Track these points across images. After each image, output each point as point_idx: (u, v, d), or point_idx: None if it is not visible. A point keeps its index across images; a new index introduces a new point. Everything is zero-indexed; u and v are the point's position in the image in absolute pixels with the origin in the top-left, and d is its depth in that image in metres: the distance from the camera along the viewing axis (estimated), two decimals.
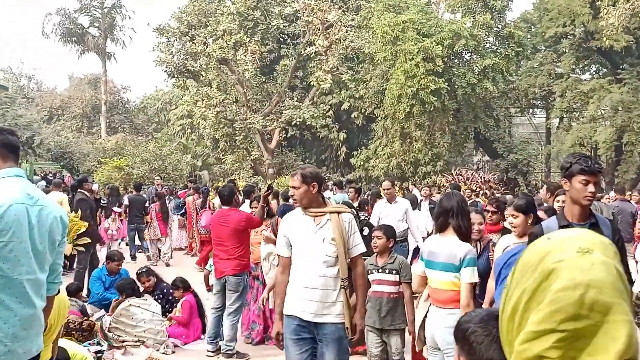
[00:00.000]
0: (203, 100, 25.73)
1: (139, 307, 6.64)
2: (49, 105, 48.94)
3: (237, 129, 26.03)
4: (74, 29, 43.48)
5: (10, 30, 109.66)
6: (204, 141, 32.96)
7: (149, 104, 48.17)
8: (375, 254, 5.45)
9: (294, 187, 4.28)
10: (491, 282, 4.65)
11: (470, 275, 4.21)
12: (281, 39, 31.58)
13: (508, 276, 1.52)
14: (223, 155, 30.31)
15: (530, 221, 4.54)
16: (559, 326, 1.31)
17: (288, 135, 29.59)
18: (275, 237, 7.33)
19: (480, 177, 23.49)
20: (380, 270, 5.33)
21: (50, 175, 28.04)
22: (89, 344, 5.81)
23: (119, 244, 15.56)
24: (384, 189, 8.59)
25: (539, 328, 1.34)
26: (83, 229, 5.24)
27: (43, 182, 23.09)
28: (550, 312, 1.32)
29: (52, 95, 51.79)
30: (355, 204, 8.74)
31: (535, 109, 37.81)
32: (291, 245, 4.27)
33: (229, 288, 6.68)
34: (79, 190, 9.74)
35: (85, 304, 7.50)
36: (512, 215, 4.63)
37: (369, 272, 5.28)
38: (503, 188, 23.92)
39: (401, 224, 8.37)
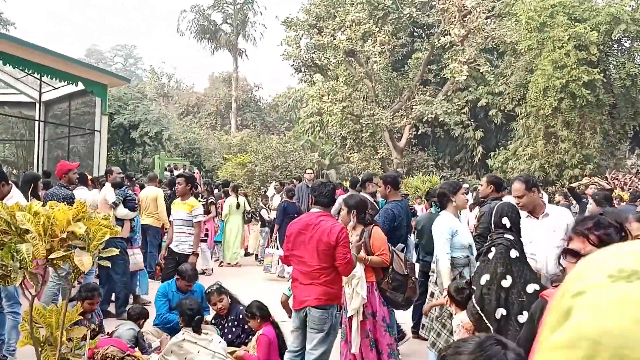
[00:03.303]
0: (329, 94, 24.50)
1: (195, 343, 5.08)
2: (186, 103, 50.05)
3: (364, 125, 24.50)
4: (207, 25, 44.01)
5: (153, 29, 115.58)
6: (331, 139, 31.89)
7: (281, 101, 48.00)
8: None
9: None
10: None
11: None
12: (415, 32, 29.80)
13: None
14: (350, 153, 29.04)
15: None
16: None
17: (419, 133, 27.83)
18: (369, 252, 5.51)
19: None
20: None
21: (177, 170, 27.97)
22: None
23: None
24: (514, 196, 5.22)
25: None
26: (107, 236, 3.74)
27: (167, 173, 23.16)
28: None
29: (189, 93, 53.08)
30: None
31: None
32: None
33: (311, 325, 4.88)
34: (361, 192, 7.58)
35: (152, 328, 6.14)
36: None
37: None
38: None
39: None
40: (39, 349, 3.81)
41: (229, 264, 13.34)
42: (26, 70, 16.25)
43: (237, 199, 13.35)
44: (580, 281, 0.87)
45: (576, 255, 2.55)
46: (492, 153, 26.78)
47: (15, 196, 5.52)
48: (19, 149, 26.86)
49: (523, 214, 5.11)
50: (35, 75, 17.60)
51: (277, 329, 5.64)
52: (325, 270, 4.85)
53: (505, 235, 4.30)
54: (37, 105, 20.15)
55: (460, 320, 4.85)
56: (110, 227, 3.82)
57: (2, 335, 5.69)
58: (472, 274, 4.81)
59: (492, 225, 4.47)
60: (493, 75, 25.81)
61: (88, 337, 4.02)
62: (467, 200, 5.77)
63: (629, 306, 0.77)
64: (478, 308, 4.14)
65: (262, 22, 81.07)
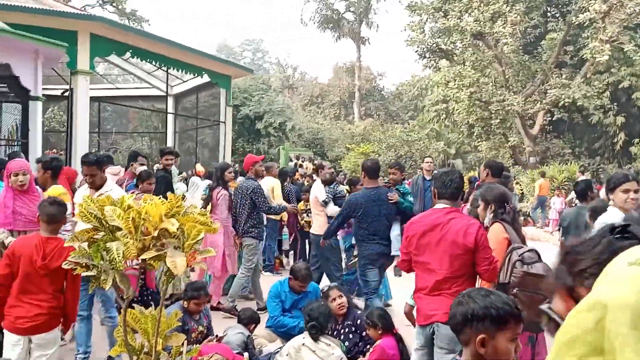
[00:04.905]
0: (455, 80, 23.42)
1: (314, 352, 4.55)
2: (310, 94, 50.32)
3: (493, 111, 23.24)
4: (330, 15, 43.85)
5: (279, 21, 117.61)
6: (458, 127, 30.68)
7: (405, 90, 47.07)
8: None
9: None
10: None
11: None
12: (548, 12, 27.91)
13: None
14: (478, 141, 27.77)
15: None
16: None
17: (554, 119, 26.01)
18: None
19: None
20: None
21: (301, 160, 27.93)
22: None
23: None
24: None
25: None
26: (201, 235, 3.32)
27: (292, 164, 23.04)
28: (566, 342, 1.08)
29: (312, 84, 53.36)
30: None
31: None
32: None
33: (440, 345, 4.01)
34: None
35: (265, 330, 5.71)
36: None
37: None
38: None
39: None
40: (134, 358, 3.47)
41: None
42: (154, 63, 16.64)
43: None
44: (607, 268, 1.13)
45: None
46: (636, 140, 24.61)
47: (111, 187, 5.23)
48: (152, 141, 27.98)
49: None
50: (163, 68, 18.02)
51: (401, 343, 4.97)
52: (458, 279, 4.03)
53: None
54: (167, 98, 20.75)
55: None
56: (207, 224, 3.39)
57: (89, 346, 5.21)
58: None
59: None
60: (638, 55, 23.62)
61: (186, 344, 3.63)
62: (631, 200, 4.54)
63: (637, 281, 1.03)
64: None
65: (385, 9, 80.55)
